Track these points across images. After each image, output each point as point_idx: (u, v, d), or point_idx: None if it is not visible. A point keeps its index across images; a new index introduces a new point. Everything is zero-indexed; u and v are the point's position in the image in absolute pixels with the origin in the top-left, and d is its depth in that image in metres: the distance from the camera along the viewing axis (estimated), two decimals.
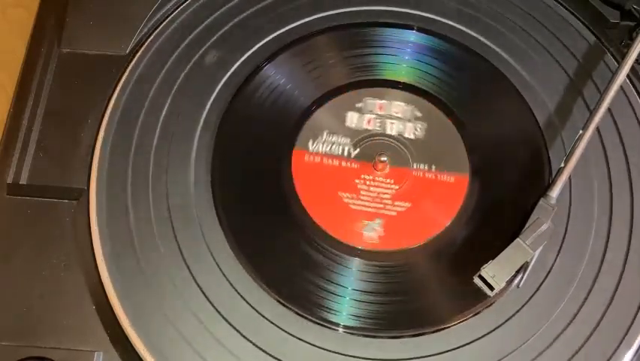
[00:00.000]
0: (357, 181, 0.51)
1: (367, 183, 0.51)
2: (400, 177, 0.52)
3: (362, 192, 0.51)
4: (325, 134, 0.52)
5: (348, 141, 0.53)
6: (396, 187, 0.51)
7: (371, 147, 0.53)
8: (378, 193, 0.51)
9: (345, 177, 0.52)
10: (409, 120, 0.53)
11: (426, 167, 0.52)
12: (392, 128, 0.53)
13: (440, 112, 0.54)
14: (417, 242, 0.49)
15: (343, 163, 0.52)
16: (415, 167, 0.52)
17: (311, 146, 0.52)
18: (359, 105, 0.54)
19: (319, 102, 0.54)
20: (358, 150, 0.53)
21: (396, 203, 0.51)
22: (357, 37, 0.57)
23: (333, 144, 0.52)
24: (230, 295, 0.46)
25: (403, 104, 0.54)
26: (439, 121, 0.54)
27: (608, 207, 0.50)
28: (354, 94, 0.54)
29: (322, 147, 0.52)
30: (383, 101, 0.54)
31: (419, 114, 0.53)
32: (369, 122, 0.53)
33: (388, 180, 0.52)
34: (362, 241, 0.49)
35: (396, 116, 0.53)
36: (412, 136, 0.53)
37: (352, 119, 0.53)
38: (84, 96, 0.53)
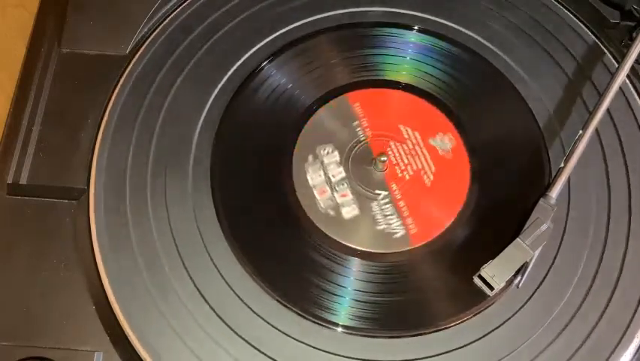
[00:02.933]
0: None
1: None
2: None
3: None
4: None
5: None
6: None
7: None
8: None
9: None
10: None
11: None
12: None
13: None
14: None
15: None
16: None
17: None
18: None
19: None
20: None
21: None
22: (357, 37, 0.57)
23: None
24: (230, 295, 0.46)
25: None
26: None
27: (607, 207, 0.50)
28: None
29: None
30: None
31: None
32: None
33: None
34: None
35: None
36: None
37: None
38: (84, 96, 0.53)
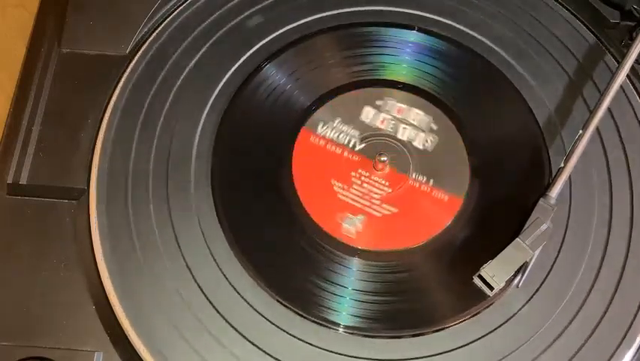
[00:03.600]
0: (352, 174, 0.52)
1: (362, 178, 0.51)
2: (395, 181, 0.52)
3: (354, 186, 0.51)
4: (337, 121, 0.52)
5: (357, 133, 0.53)
6: (389, 190, 0.51)
7: (377, 146, 0.53)
8: (370, 191, 0.51)
9: (342, 166, 0.52)
10: (423, 131, 0.53)
11: (424, 179, 0.52)
12: (404, 134, 0.53)
13: (456, 132, 0.53)
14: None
15: (345, 153, 0.52)
16: (413, 176, 0.52)
17: (320, 129, 0.52)
18: (379, 103, 0.54)
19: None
20: (364, 144, 0.53)
21: (384, 205, 0.51)
22: (357, 37, 0.57)
23: (341, 132, 0.52)
24: (230, 295, 0.46)
25: (422, 113, 0.54)
26: (452, 139, 0.53)
27: (608, 207, 0.50)
28: (369, 93, 0.54)
29: (330, 132, 0.52)
30: (403, 106, 0.54)
31: (435, 127, 0.53)
32: (383, 121, 0.53)
33: (384, 181, 0.52)
34: (339, 232, 0.49)
35: (411, 123, 0.53)
36: (420, 146, 0.53)
37: (368, 114, 0.53)
38: (84, 96, 0.53)
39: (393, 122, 0.53)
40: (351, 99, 0.54)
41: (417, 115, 0.53)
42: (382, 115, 0.53)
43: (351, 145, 0.52)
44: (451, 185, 0.51)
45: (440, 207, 0.51)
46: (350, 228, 0.49)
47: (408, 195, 0.51)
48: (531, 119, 0.54)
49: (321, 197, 0.50)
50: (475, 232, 0.50)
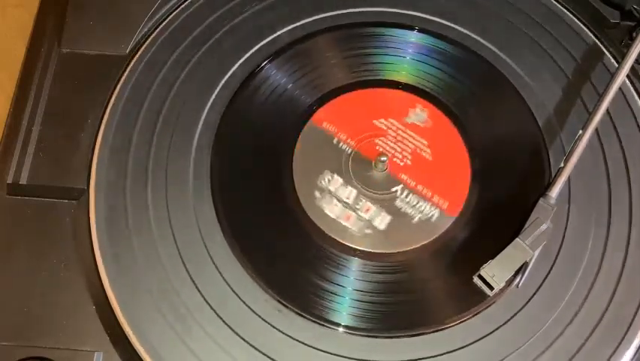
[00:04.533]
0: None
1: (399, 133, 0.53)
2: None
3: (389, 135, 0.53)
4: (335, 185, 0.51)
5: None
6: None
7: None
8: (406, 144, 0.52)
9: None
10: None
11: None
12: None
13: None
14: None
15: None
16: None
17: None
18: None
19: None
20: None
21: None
22: (357, 37, 0.57)
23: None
24: (230, 295, 0.46)
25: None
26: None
27: (607, 207, 0.50)
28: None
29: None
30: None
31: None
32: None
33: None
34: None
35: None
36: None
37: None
38: (84, 96, 0.53)
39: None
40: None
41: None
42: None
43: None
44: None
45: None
46: (418, 123, 0.50)
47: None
48: (531, 119, 0.54)
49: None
50: (475, 232, 0.50)
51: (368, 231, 0.50)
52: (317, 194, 0.51)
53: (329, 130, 0.53)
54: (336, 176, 0.51)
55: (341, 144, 0.53)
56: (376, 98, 0.54)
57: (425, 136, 0.53)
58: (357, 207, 0.50)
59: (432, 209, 0.50)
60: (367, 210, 0.50)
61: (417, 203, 0.51)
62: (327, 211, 0.50)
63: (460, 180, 0.52)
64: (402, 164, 0.52)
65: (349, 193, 0.51)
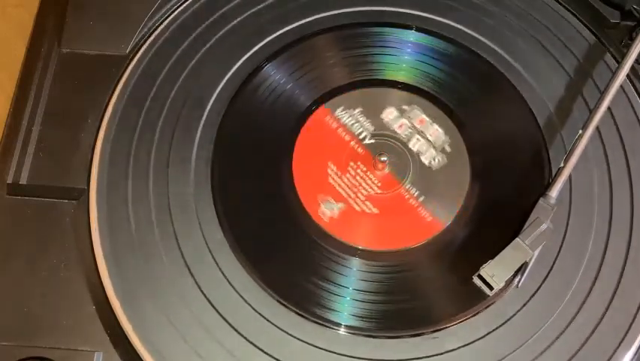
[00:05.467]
0: (351, 164, 0.52)
1: (358, 171, 0.52)
2: (388, 185, 0.52)
3: (348, 175, 0.51)
4: (357, 110, 0.52)
5: (371, 128, 0.53)
6: (379, 191, 0.51)
7: (384, 146, 0.53)
8: (360, 185, 0.51)
9: (345, 153, 0.52)
10: (435, 148, 0.53)
11: (416, 193, 0.51)
12: (415, 145, 0.53)
13: (467, 160, 0.52)
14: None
15: (353, 142, 0.52)
16: (407, 186, 0.52)
17: (338, 111, 0.53)
18: (405, 107, 0.53)
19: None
20: (373, 140, 0.53)
21: (367, 203, 0.51)
22: (357, 37, 0.57)
23: (357, 122, 0.52)
24: (230, 295, 0.47)
25: (442, 131, 0.53)
26: (460, 166, 0.52)
27: (608, 206, 0.50)
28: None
29: (347, 118, 0.52)
30: (427, 118, 0.53)
31: (448, 149, 0.53)
32: (401, 126, 0.53)
33: (377, 181, 0.52)
34: (314, 212, 0.50)
35: (427, 138, 0.53)
36: (426, 162, 0.52)
37: (389, 114, 0.53)
38: (84, 96, 0.53)
39: (410, 130, 0.53)
40: (378, 94, 0.54)
41: (436, 131, 0.53)
42: (402, 120, 0.53)
43: (361, 137, 0.53)
44: (439, 208, 0.51)
45: (419, 226, 0.50)
46: (326, 211, 0.50)
47: (394, 202, 0.51)
48: (531, 119, 0.54)
49: (312, 174, 0.51)
50: (475, 231, 0.50)
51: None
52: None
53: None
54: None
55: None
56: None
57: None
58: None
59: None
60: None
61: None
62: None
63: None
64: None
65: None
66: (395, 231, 0.50)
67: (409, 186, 0.52)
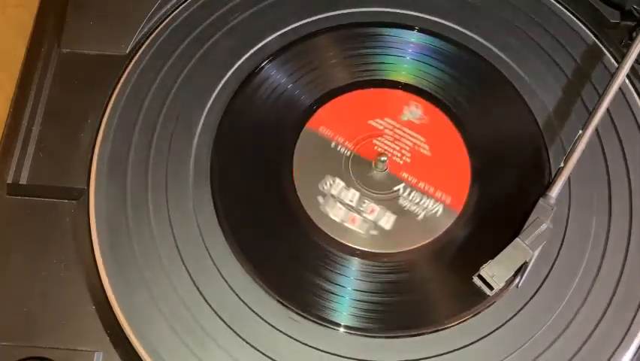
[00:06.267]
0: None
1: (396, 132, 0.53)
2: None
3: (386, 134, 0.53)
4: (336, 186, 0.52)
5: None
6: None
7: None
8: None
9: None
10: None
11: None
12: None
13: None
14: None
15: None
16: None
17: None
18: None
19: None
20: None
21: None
22: (357, 37, 0.57)
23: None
24: (230, 295, 0.46)
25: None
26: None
27: (608, 206, 0.50)
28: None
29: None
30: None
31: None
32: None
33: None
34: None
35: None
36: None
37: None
38: (84, 96, 0.53)
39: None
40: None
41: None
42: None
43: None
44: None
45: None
46: (412, 116, 0.50)
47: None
48: (531, 119, 0.54)
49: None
50: (475, 232, 0.50)
51: (374, 232, 0.50)
52: (320, 199, 0.51)
53: (326, 134, 0.53)
54: (337, 180, 0.51)
55: (339, 147, 0.53)
56: (372, 99, 0.54)
57: (422, 133, 0.53)
58: (362, 208, 0.50)
59: (435, 204, 0.50)
60: (372, 211, 0.50)
61: (420, 200, 0.51)
62: (331, 215, 0.50)
63: (460, 175, 0.52)
64: (401, 162, 0.52)
65: (352, 196, 0.51)
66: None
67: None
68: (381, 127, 0.53)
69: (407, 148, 0.53)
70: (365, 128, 0.53)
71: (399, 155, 0.52)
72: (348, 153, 0.52)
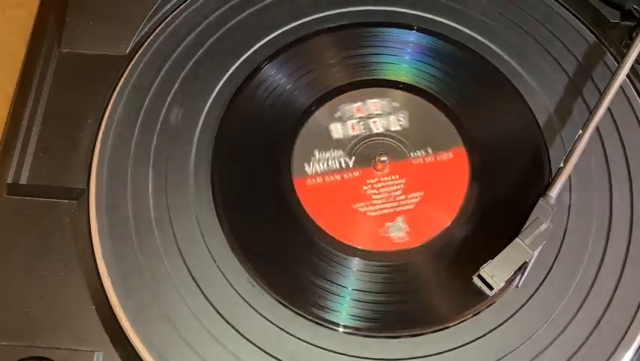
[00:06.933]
0: (364, 188, 0.51)
1: (374, 186, 0.51)
2: (402, 170, 0.52)
3: (374, 197, 0.51)
4: (317, 153, 0.52)
5: (341, 152, 0.52)
6: (403, 180, 0.51)
7: (365, 151, 0.53)
8: (390, 192, 0.51)
9: (351, 187, 0.51)
10: (390, 113, 0.53)
11: (423, 152, 0.52)
12: (377, 126, 0.53)
13: (416, 96, 0.54)
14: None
15: (345, 175, 0.52)
16: (412, 156, 0.52)
17: (308, 169, 0.52)
18: (338, 115, 0.53)
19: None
20: (354, 157, 0.52)
21: (410, 195, 0.51)
22: (357, 37, 0.57)
23: (328, 160, 0.52)
24: (230, 295, 0.46)
25: (377, 100, 0.54)
26: (418, 105, 0.54)
27: (608, 207, 0.50)
28: (333, 102, 0.54)
29: (319, 166, 0.52)
30: (358, 104, 0.53)
31: (396, 105, 0.54)
32: (353, 127, 0.53)
33: (393, 177, 0.51)
34: (394, 243, 0.49)
35: (376, 114, 0.53)
36: (398, 127, 0.53)
37: (337, 130, 0.53)
38: (84, 96, 0.53)
39: (361, 123, 0.53)
40: (317, 122, 0.53)
41: (375, 104, 0.53)
42: (349, 122, 0.53)
43: (344, 165, 0.52)
44: (445, 142, 0.52)
45: (452, 167, 0.52)
46: (399, 233, 0.49)
47: (421, 174, 0.52)
48: (531, 119, 0.54)
49: (355, 224, 0.50)
50: (475, 232, 0.50)
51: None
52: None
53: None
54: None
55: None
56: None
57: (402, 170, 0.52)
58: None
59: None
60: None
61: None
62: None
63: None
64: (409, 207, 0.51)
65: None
66: (446, 188, 0.51)
67: (412, 153, 0.52)
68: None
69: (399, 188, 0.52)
70: (349, 212, 0.51)
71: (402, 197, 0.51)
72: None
